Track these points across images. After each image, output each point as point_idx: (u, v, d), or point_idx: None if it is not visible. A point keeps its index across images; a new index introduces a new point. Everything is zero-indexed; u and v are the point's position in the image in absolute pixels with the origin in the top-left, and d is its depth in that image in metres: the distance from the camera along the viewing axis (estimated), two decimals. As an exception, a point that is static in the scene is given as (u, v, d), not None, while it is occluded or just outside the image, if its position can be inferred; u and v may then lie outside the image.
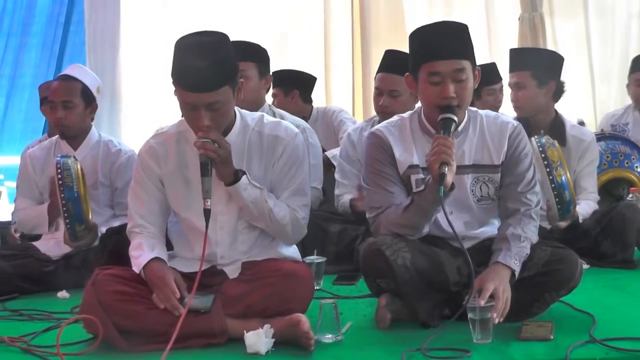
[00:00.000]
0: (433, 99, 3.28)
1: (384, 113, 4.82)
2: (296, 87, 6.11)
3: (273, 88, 5.95)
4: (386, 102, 4.84)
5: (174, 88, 3.19)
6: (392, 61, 4.91)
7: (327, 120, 6.22)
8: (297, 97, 6.11)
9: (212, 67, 3.07)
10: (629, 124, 6.12)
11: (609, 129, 6.12)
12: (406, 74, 3.44)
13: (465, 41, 3.33)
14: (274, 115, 4.88)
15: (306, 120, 5.82)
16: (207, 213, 3.10)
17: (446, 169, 3.08)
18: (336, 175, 5.01)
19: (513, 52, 5.10)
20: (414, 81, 3.38)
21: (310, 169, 4.71)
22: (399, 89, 4.76)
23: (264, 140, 3.36)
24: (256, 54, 4.91)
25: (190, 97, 3.11)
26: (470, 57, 3.32)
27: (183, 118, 3.32)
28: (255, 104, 4.79)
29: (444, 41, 3.28)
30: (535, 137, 4.24)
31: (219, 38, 3.18)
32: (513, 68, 4.86)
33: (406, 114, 3.54)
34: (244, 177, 3.21)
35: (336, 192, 4.98)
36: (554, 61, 4.87)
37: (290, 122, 4.55)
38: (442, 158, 3.09)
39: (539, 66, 4.74)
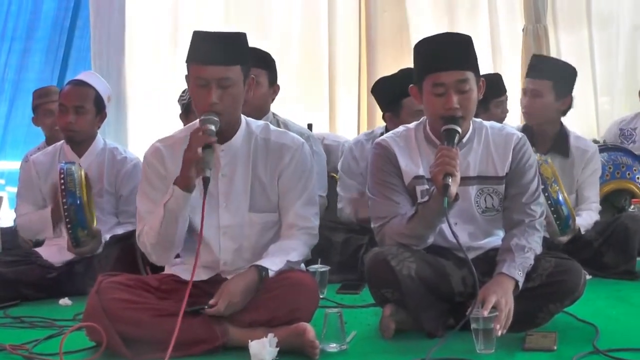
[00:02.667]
0: (437, 110, 3.29)
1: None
2: None
3: None
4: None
5: (184, 80, 3.34)
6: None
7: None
8: None
9: (227, 44, 3.25)
10: (637, 129, 6.13)
11: (617, 133, 6.13)
12: (411, 85, 3.45)
13: (469, 52, 3.34)
14: (278, 123, 4.92)
15: None
16: (205, 181, 3.06)
17: (450, 180, 3.09)
18: (338, 189, 5.04)
19: (537, 58, 5.10)
20: (418, 93, 3.39)
21: (318, 177, 4.74)
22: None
23: (269, 148, 3.39)
24: (268, 62, 4.96)
25: (202, 71, 3.20)
26: (474, 68, 3.33)
27: (191, 123, 3.33)
28: (261, 111, 4.85)
29: (447, 52, 3.30)
30: None
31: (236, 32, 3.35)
32: (534, 75, 4.81)
33: (412, 125, 3.55)
34: (267, 273, 3.18)
35: (339, 205, 5.00)
36: (572, 75, 4.87)
37: (295, 130, 4.61)
38: (446, 169, 3.10)
39: (560, 78, 4.75)
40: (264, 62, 4.90)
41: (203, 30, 3.31)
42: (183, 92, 5.84)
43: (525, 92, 4.83)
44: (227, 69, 3.21)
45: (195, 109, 3.29)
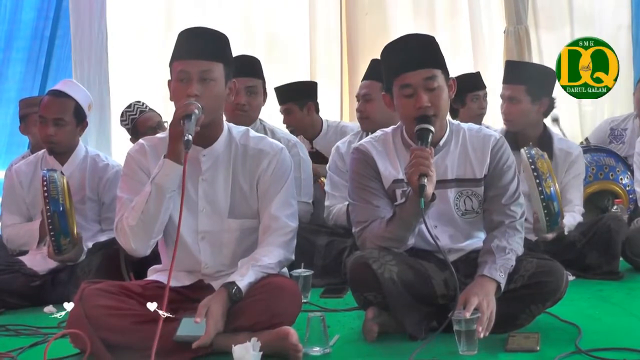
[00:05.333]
0: (409, 112, 3.29)
1: (360, 118, 5.00)
2: (309, 98, 5.96)
3: (285, 103, 5.90)
4: (360, 107, 5.01)
5: (166, 84, 3.35)
6: (370, 69, 5.07)
7: (339, 134, 5.94)
8: (312, 109, 5.95)
9: (210, 40, 3.28)
10: (627, 129, 6.15)
11: (607, 132, 6.15)
12: (383, 93, 3.46)
13: (434, 51, 3.36)
14: (264, 129, 4.94)
15: (318, 133, 5.85)
16: (187, 143, 3.03)
17: (425, 180, 3.08)
18: (326, 188, 5.04)
19: (510, 64, 5.11)
20: (391, 99, 3.40)
21: (302, 183, 4.76)
22: (371, 93, 4.88)
23: (248, 154, 3.40)
24: (262, 73, 5.02)
25: (185, 65, 3.21)
26: (441, 66, 3.34)
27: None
28: (254, 120, 4.93)
29: (410, 53, 3.32)
30: (525, 148, 4.25)
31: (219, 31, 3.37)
32: (508, 80, 4.82)
33: (389, 129, 3.56)
34: (237, 288, 3.13)
35: (326, 203, 4.99)
36: (549, 78, 4.86)
37: (282, 137, 4.62)
38: (420, 169, 3.09)
39: (534, 82, 4.73)
40: (261, 73, 4.99)
41: (187, 28, 3.32)
42: (122, 115, 5.87)
43: (502, 98, 4.83)
44: (210, 64, 3.23)
45: (176, 107, 3.23)
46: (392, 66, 3.35)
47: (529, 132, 4.72)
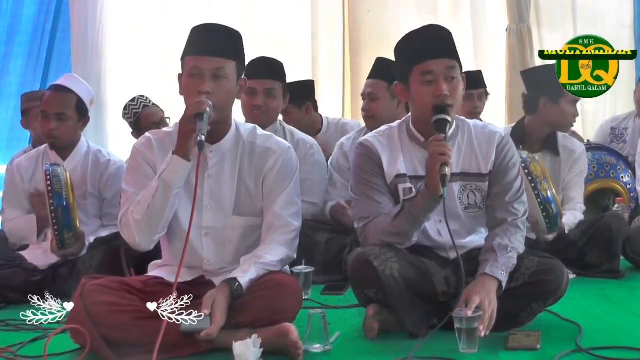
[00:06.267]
0: (427, 99, 3.29)
1: (366, 117, 5.04)
2: (307, 98, 5.91)
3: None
4: (366, 105, 5.05)
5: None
6: (375, 68, 5.10)
7: (339, 131, 5.93)
8: (310, 108, 5.90)
9: (224, 37, 3.27)
10: (628, 129, 6.15)
11: (609, 132, 6.15)
12: (395, 82, 3.46)
13: (454, 44, 3.38)
14: (284, 131, 4.94)
15: (318, 131, 5.84)
16: (200, 145, 3.04)
17: (447, 169, 3.11)
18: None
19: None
20: (405, 89, 3.39)
21: (313, 185, 4.75)
22: (377, 92, 4.94)
23: (255, 152, 3.40)
24: (284, 75, 5.03)
25: (198, 60, 3.21)
26: (459, 59, 3.36)
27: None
28: (273, 122, 4.94)
29: (433, 42, 3.34)
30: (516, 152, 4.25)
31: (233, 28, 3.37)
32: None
33: (395, 124, 3.56)
34: (238, 285, 3.12)
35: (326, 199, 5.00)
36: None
37: (300, 139, 4.62)
38: (442, 159, 3.12)
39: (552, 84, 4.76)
40: (283, 75, 5.00)
41: (201, 24, 3.33)
42: (125, 108, 5.85)
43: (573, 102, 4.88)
44: (223, 61, 3.23)
45: (186, 102, 3.25)
46: (413, 52, 3.35)
47: (540, 129, 4.74)
